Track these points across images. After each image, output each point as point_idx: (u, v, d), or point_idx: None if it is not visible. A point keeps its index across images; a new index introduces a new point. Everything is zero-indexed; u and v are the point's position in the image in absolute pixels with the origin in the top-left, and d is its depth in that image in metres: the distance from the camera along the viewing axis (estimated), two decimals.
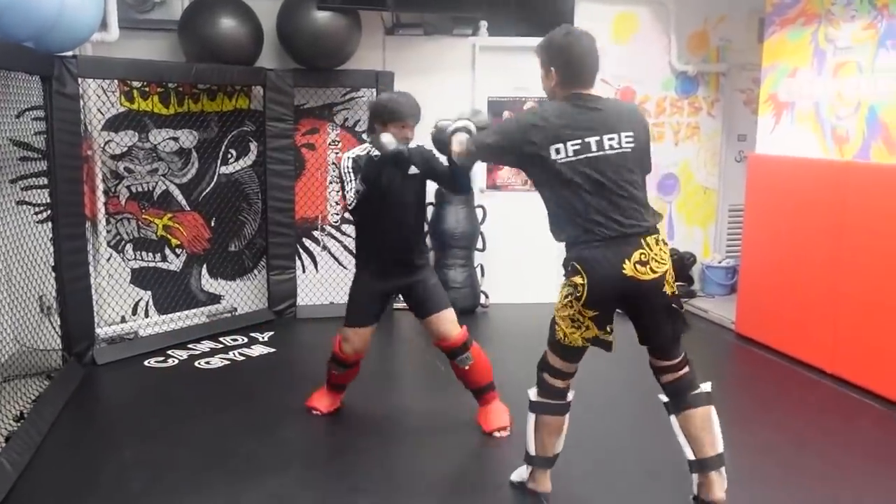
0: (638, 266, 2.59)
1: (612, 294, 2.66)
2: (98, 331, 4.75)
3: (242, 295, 5.66)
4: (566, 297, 2.71)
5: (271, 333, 5.23)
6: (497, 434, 3.58)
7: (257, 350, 4.90)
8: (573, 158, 2.62)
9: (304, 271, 5.83)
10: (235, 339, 5.07)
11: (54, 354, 4.42)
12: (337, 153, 5.79)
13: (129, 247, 5.37)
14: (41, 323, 4.50)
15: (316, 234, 5.87)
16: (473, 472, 3.45)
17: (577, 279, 2.64)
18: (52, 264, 4.36)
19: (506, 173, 6.09)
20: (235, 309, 5.58)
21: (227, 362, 4.65)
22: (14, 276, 4.23)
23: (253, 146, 5.61)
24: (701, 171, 6.35)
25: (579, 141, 2.61)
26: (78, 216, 4.45)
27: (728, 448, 2.88)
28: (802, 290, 4.63)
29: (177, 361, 4.66)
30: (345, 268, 5.84)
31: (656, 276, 2.61)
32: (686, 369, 2.83)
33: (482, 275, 5.97)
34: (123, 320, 5.18)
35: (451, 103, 5.77)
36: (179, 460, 3.36)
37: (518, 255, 5.99)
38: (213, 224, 5.57)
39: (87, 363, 4.50)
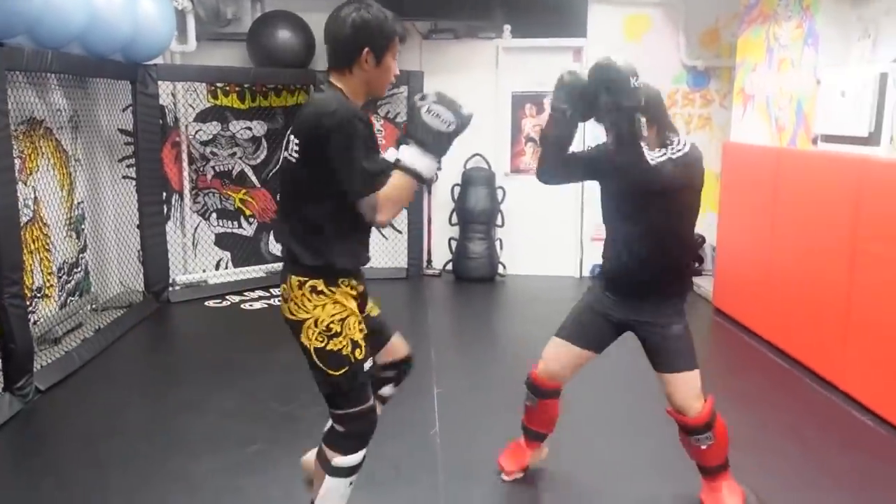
0: (280, 300, 2.44)
1: None
2: (179, 278, 6.12)
3: None
4: None
5: None
6: None
7: None
8: None
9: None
10: None
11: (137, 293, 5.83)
12: (381, 142, 6.84)
13: (213, 215, 6.71)
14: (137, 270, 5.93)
15: None
16: None
17: None
18: (137, 223, 5.76)
19: (528, 158, 6.86)
20: None
21: (265, 306, 5.86)
22: (121, 232, 5.73)
23: None
24: (714, 160, 6.76)
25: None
26: (156, 188, 5.79)
27: None
28: (749, 266, 5.09)
29: (229, 304, 5.92)
30: (385, 238, 6.88)
31: (292, 318, 2.36)
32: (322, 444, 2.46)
33: (501, 248, 6.80)
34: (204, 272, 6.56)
35: (478, 97, 6.75)
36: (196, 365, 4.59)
37: (535, 232, 6.77)
38: (278, 198, 6.77)
39: (163, 301, 5.86)
